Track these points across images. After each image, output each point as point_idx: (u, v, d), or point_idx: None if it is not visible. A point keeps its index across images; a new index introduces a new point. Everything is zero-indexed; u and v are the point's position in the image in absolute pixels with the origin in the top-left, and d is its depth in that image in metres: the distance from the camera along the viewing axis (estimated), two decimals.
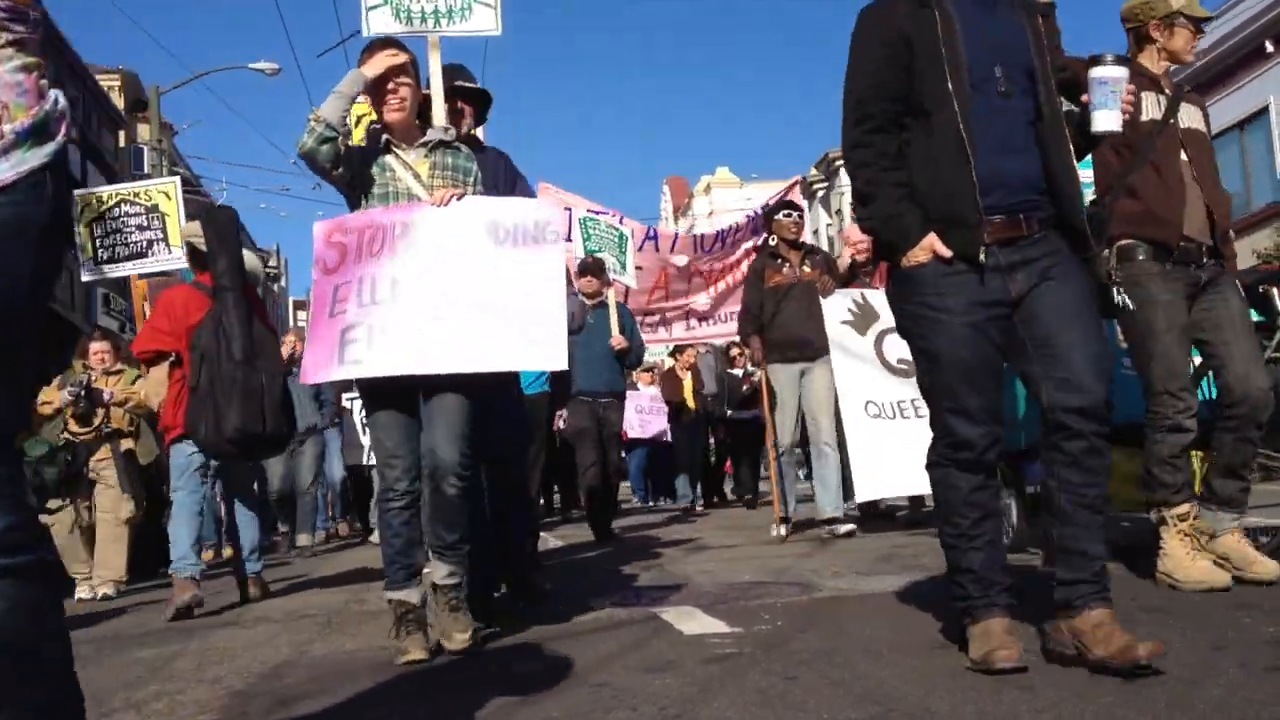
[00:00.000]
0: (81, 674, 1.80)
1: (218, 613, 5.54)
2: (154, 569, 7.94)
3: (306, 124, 3.74)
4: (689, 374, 13.02)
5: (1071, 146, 2.98)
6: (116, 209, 8.64)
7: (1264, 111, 20.50)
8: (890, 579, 4.79)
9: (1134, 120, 3.63)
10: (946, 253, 2.91)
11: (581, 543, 8.24)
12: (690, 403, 12.90)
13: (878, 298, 6.71)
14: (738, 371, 12.66)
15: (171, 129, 24.57)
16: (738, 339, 9.81)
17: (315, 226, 3.90)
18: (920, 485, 6.51)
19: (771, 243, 7.62)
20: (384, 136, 3.92)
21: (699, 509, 12.62)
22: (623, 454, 10.27)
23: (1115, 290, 3.99)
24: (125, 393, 7.50)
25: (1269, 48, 20.36)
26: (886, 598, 4.34)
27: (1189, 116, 4.16)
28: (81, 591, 7.11)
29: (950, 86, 2.87)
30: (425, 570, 3.84)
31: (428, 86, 4.18)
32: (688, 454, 13.09)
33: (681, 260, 10.09)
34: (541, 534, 7.35)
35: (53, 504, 7.25)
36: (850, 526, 6.99)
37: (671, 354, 13.74)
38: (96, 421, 7.42)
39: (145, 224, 8.92)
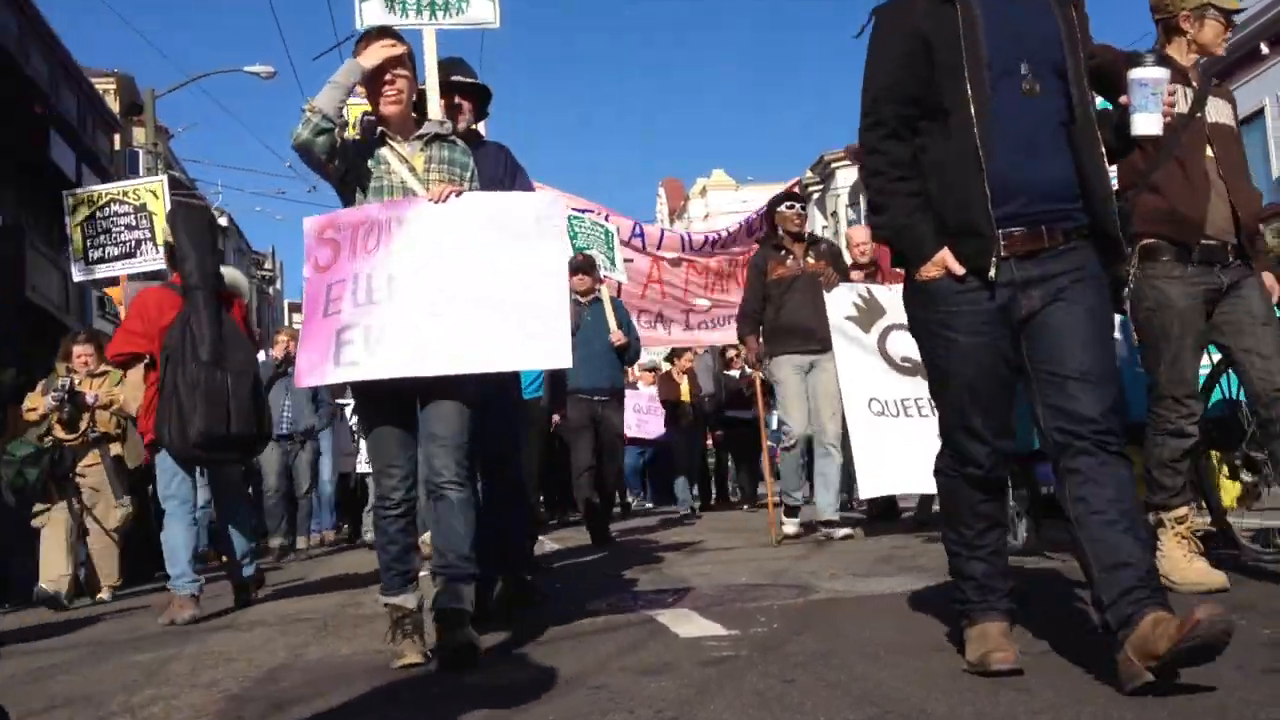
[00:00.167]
0: (78, 677, 1.80)
1: (213, 617, 5.52)
2: (149, 572, 7.92)
3: (301, 115, 3.65)
4: (685, 378, 12.93)
5: (1104, 149, 2.84)
6: (107, 208, 8.61)
7: (1260, 114, 20.59)
8: (888, 581, 4.79)
9: None
10: (959, 270, 2.80)
11: (578, 546, 8.23)
12: (687, 403, 12.78)
13: (884, 292, 6.67)
14: (735, 372, 12.61)
15: (167, 132, 24.56)
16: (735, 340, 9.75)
17: (305, 222, 3.79)
18: (924, 484, 6.49)
19: (774, 235, 7.50)
20: (379, 129, 3.84)
21: (696, 511, 12.60)
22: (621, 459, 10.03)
23: (1131, 288, 3.92)
24: (110, 395, 7.34)
25: (1264, 50, 20.43)
26: (884, 599, 4.33)
27: (1216, 110, 4.05)
28: (45, 585, 6.81)
29: (968, 85, 2.73)
30: (423, 574, 3.82)
31: (424, 80, 4.12)
32: (686, 457, 13.05)
33: (670, 255, 9.95)
34: (539, 537, 7.35)
35: (38, 508, 7.10)
36: (848, 530, 6.97)
37: (669, 357, 13.62)
38: (83, 426, 7.27)
39: (134, 223, 8.91)
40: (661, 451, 13.53)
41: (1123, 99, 2.90)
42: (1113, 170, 3.46)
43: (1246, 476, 4.52)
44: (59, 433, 7.22)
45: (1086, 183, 2.80)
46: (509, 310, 3.61)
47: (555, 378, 7.24)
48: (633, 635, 3.82)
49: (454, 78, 4.45)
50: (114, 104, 26.53)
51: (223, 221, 32.98)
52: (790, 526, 7.23)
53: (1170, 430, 3.88)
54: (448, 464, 3.61)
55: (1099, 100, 3.00)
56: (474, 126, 4.66)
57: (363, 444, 9.32)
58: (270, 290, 51.09)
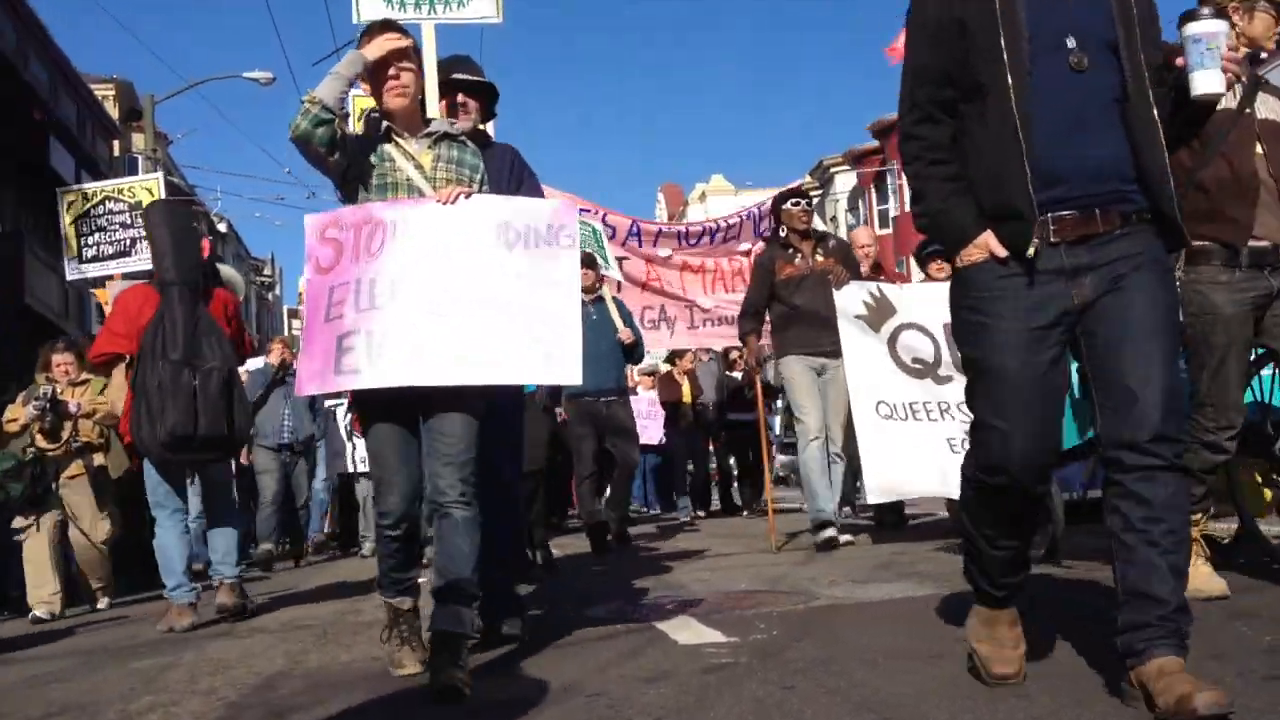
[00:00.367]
0: (76, 685, 1.80)
1: (212, 624, 5.51)
2: (145, 580, 7.87)
3: (300, 106, 3.50)
4: (686, 379, 12.75)
5: (1161, 130, 2.59)
6: (101, 206, 8.54)
7: None
8: (887, 587, 4.78)
9: None
10: (1002, 251, 2.59)
11: (577, 552, 8.21)
12: (687, 404, 12.63)
13: (894, 291, 6.58)
14: (737, 374, 12.42)
15: (166, 138, 24.53)
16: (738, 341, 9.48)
17: (307, 220, 3.64)
18: (932, 489, 6.40)
19: (781, 234, 7.29)
20: (384, 124, 3.67)
21: (701, 515, 12.52)
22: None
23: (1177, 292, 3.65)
24: (93, 403, 7.06)
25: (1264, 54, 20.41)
26: (883, 606, 4.33)
27: (1267, 107, 3.84)
28: (39, 611, 6.58)
29: (1006, 60, 2.55)
30: (422, 580, 3.79)
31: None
32: (685, 462, 12.98)
33: (664, 252, 9.63)
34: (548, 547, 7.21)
35: (19, 522, 6.87)
36: (848, 538, 6.91)
37: (669, 359, 13.36)
38: (65, 435, 7.04)
39: (129, 221, 8.86)
40: (664, 457, 13.35)
41: (1178, 60, 2.66)
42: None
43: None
44: (41, 443, 7.00)
45: (1141, 162, 2.58)
46: (518, 320, 3.47)
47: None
48: (632, 642, 3.82)
49: (456, 75, 4.29)
50: (113, 110, 26.59)
51: (222, 227, 33.01)
52: (830, 531, 6.67)
53: (1206, 442, 3.70)
54: (453, 483, 3.44)
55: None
56: (481, 127, 4.46)
57: (358, 442, 9.17)
58: (269, 296, 51.11)
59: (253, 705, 3.32)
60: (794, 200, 7.28)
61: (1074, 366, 2.79)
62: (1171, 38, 2.76)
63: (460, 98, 4.29)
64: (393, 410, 3.49)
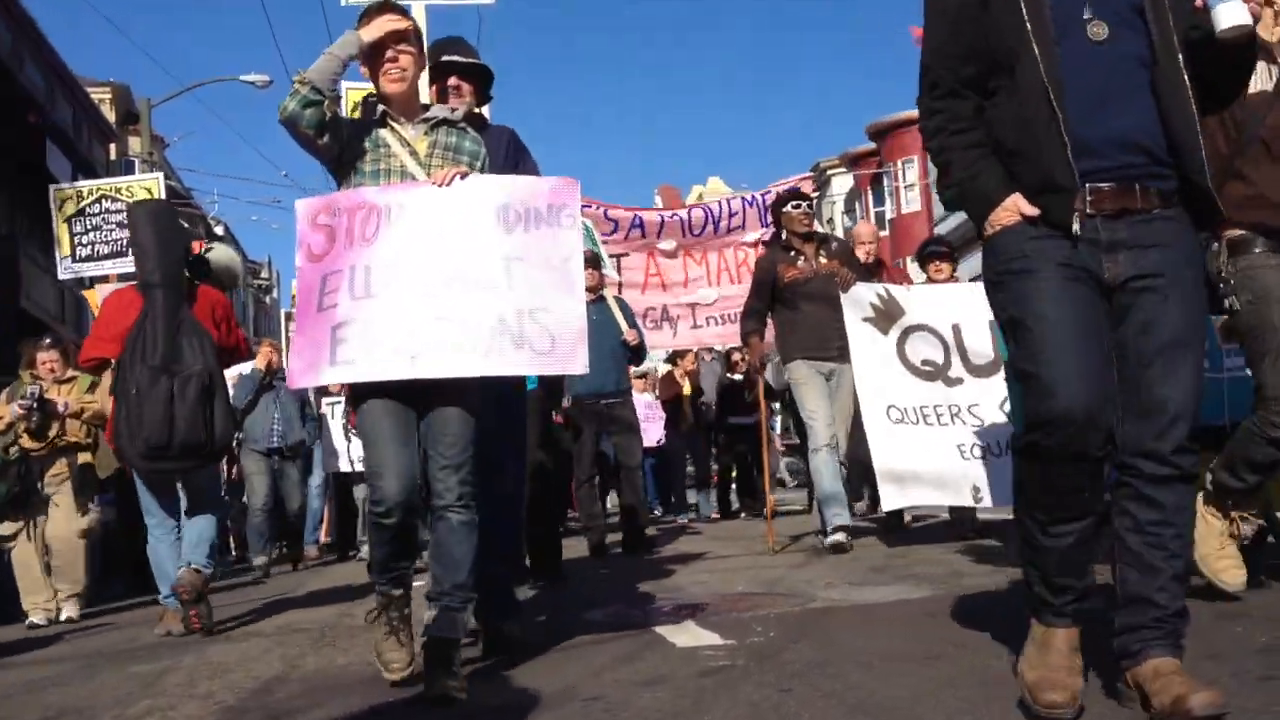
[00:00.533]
0: (73, 690, 1.80)
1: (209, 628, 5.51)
2: (141, 583, 7.85)
3: (290, 87, 3.39)
4: (687, 380, 12.63)
5: (1192, 96, 2.49)
6: (96, 205, 8.45)
7: None
8: (883, 589, 4.79)
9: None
10: (1033, 211, 2.51)
11: (573, 556, 8.21)
12: (686, 410, 12.58)
13: (902, 293, 6.54)
14: (738, 377, 12.34)
15: (163, 141, 24.51)
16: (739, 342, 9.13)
17: (299, 205, 3.53)
18: (945, 496, 6.30)
19: (781, 237, 7.17)
20: (380, 108, 3.56)
21: (717, 516, 12.42)
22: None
23: (1225, 286, 3.59)
24: (80, 403, 6.86)
25: None
26: (880, 608, 4.33)
27: None
28: (35, 618, 6.53)
29: (1030, 29, 2.48)
30: (418, 584, 3.78)
31: None
32: (684, 463, 12.91)
33: (669, 244, 9.51)
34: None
35: (6, 528, 6.73)
36: (842, 537, 6.88)
37: (670, 360, 13.21)
38: (51, 434, 6.83)
39: (125, 221, 8.82)
40: (662, 458, 13.23)
41: (1198, 1, 2.55)
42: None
43: None
44: (26, 442, 6.78)
45: (1170, 127, 2.50)
46: (519, 308, 3.34)
47: (550, 379, 6.37)
48: (629, 646, 3.82)
49: (446, 57, 4.12)
50: (110, 113, 26.56)
51: (219, 230, 32.96)
52: (842, 536, 6.51)
53: (1273, 439, 3.54)
54: (451, 486, 3.35)
55: None
56: (478, 110, 4.29)
57: (355, 441, 9.03)
58: (266, 300, 51.03)
59: (250, 709, 3.33)
60: (794, 203, 7.16)
61: None
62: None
63: (453, 81, 4.14)
64: (389, 396, 3.36)
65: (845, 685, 2.92)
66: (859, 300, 6.44)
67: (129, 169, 24.31)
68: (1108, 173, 2.49)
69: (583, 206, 8.74)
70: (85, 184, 10.00)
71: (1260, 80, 3.59)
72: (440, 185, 3.42)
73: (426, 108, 3.68)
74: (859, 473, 7.69)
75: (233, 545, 11.76)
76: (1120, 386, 2.52)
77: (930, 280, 7.41)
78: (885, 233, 33.48)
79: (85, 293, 9.75)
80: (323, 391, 9.83)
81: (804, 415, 6.93)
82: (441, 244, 3.38)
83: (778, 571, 5.86)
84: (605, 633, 4.17)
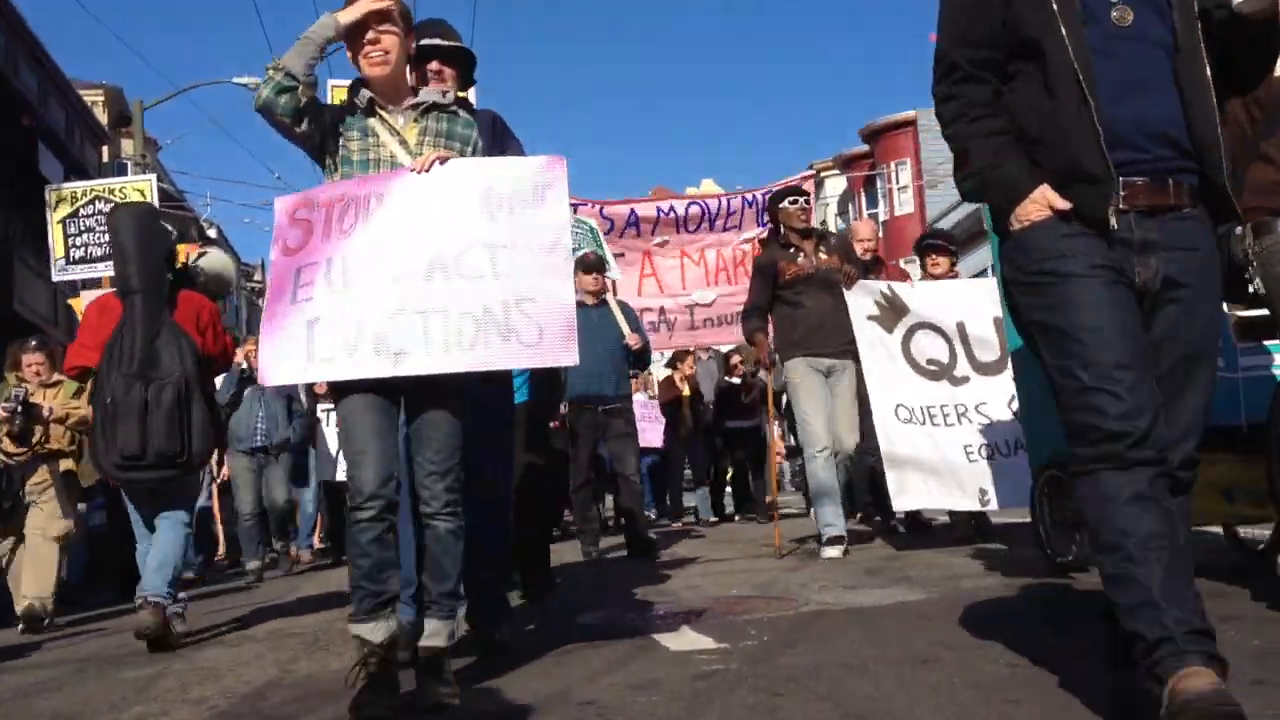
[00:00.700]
0: (66, 695, 1.79)
1: (201, 633, 5.48)
2: (131, 589, 7.78)
3: (264, 74, 3.28)
4: (686, 384, 12.53)
5: (1212, 89, 2.42)
6: (90, 206, 8.38)
7: None
8: (877, 593, 4.79)
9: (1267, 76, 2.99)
10: (1063, 204, 2.38)
11: (567, 560, 8.19)
12: (685, 412, 12.46)
13: (905, 291, 6.50)
14: (736, 379, 12.27)
15: (155, 144, 24.51)
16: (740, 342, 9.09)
17: (277, 201, 3.41)
18: (955, 499, 6.21)
19: (779, 233, 7.03)
20: (367, 95, 3.40)
21: (714, 520, 12.38)
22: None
23: (1251, 269, 3.46)
24: (65, 408, 6.64)
25: None
26: (873, 612, 4.33)
27: None
28: (33, 603, 6.33)
29: (1056, 8, 2.38)
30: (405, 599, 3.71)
31: None
32: (682, 466, 12.85)
33: (664, 239, 9.41)
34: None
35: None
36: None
37: (670, 363, 13.10)
38: (34, 440, 6.60)
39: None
40: (660, 460, 13.18)
41: None
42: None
43: None
44: (8, 446, 6.59)
45: (1190, 118, 2.42)
46: (506, 298, 3.20)
47: (549, 378, 6.01)
48: (623, 650, 3.82)
49: (426, 41, 3.91)
50: (102, 116, 26.53)
51: (211, 233, 32.89)
52: (834, 550, 6.40)
53: None
54: (438, 493, 3.24)
55: None
56: (462, 95, 4.09)
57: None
58: (259, 302, 50.88)
59: (243, 714, 3.32)
60: (791, 199, 7.03)
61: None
62: None
63: (434, 65, 4.00)
64: (370, 385, 3.22)
65: (839, 689, 2.91)
66: (863, 299, 6.39)
67: (121, 171, 24.27)
68: (1140, 165, 2.39)
69: (579, 205, 8.67)
70: (80, 185, 9.95)
71: None
72: (419, 171, 3.29)
73: (416, 92, 3.55)
74: (863, 475, 7.68)
75: (223, 547, 11.66)
76: None
77: (927, 274, 7.36)
78: (880, 235, 33.46)
79: (71, 301, 9.62)
80: (315, 395, 9.74)
81: (799, 418, 6.85)
82: (424, 232, 3.25)
83: (771, 574, 5.85)
84: (599, 638, 4.15)
